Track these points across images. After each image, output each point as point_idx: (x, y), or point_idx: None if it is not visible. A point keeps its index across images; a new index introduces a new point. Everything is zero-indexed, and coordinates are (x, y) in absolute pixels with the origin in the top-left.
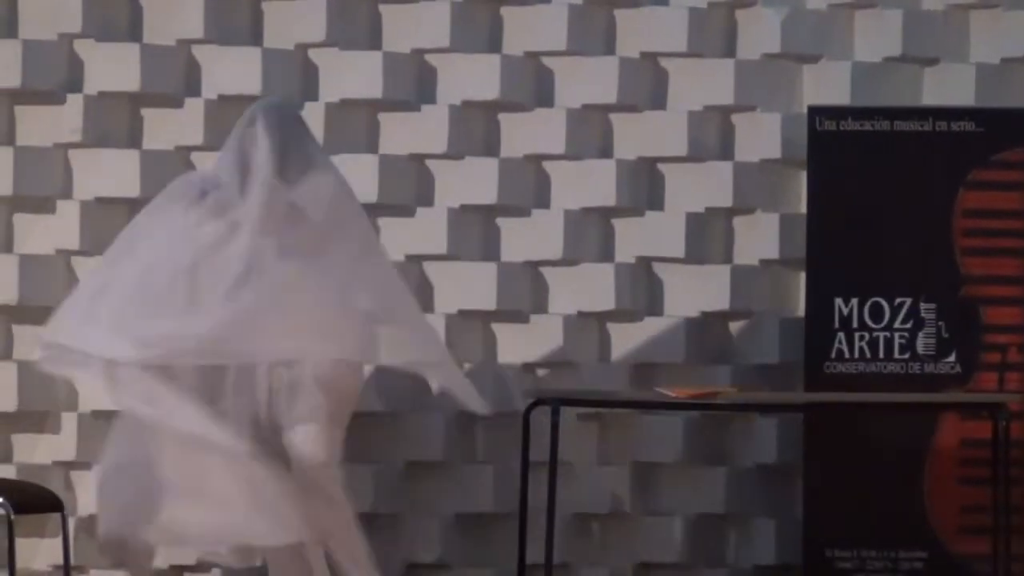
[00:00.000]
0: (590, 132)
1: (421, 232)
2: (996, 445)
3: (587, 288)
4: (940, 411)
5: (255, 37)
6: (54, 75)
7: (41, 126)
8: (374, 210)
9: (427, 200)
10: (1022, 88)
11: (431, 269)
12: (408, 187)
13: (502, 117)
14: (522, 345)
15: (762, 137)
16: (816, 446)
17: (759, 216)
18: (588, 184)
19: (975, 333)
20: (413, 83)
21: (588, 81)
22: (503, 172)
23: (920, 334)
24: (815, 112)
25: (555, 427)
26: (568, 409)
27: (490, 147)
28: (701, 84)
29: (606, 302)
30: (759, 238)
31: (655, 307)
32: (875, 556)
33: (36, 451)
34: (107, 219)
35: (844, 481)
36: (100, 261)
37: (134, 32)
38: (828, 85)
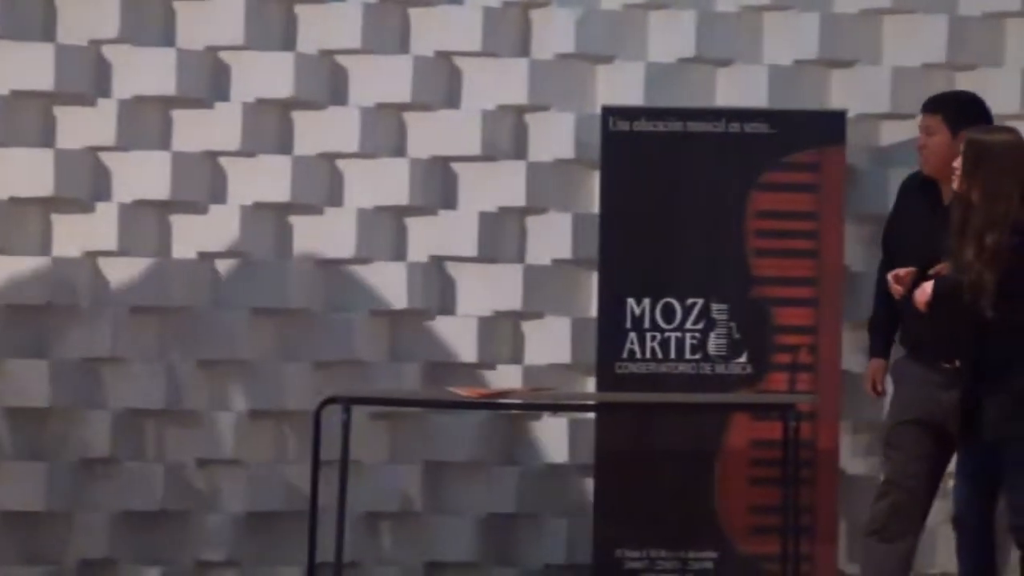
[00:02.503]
0: (384, 130)
1: (213, 230)
2: (786, 446)
3: (379, 287)
4: (731, 412)
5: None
6: None
7: None
8: (167, 207)
9: (220, 198)
10: (814, 90)
11: (224, 267)
12: (201, 185)
13: (296, 115)
14: (314, 344)
15: (556, 137)
16: (607, 446)
17: (552, 216)
18: (381, 183)
19: (766, 334)
20: (207, 80)
21: (382, 79)
22: (296, 170)
23: (711, 335)
24: (608, 112)
25: (346, 426)
26: (359, 408)
27: (284, 145)
28: (495, 83)
29: (398, 301)
30: (552, 238)
31: (447, 306)
32: (665, 556)
33: None
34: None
35: (635, 481)
36: None
37: (47, 32)
38: (622, 85)
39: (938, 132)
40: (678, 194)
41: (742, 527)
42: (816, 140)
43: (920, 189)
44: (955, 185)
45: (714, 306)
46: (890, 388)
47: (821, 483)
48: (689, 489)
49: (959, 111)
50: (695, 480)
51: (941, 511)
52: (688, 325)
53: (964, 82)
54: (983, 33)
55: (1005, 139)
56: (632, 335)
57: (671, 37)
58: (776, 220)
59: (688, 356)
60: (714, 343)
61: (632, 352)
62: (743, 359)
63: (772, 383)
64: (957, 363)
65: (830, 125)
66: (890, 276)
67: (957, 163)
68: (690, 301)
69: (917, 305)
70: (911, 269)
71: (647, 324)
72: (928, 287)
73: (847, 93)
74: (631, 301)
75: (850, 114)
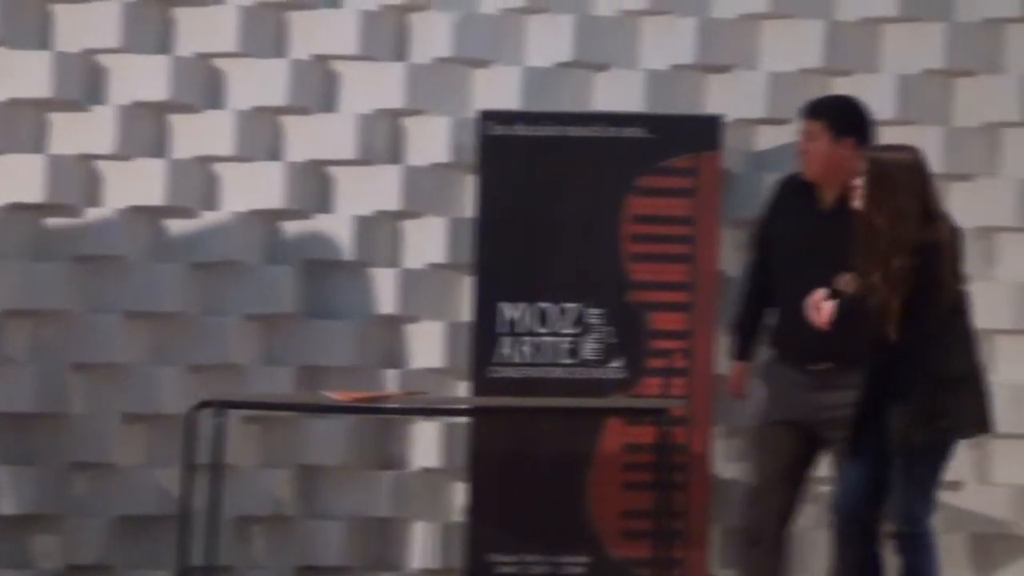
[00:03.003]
0: (260, 134)
1: (88, 234)
2: (659, 450)
3: (254, 290)
4: (605, 416)
5: None
6: None
7: None
8: (40, 211)
9: (96, 201)
10: (691, 94)
11: (97, 270)
12: (77, 188)
13: (172, 119)
14: (188, 347)
15: (432, 140)
16: (481, 450)
17: (427, 220)
18: (257, 186)
19: (641, 338)
20: (83, 83)
21: (259, 83)
22: (172, 173)
23: (587, 339)
24: (486, 116)
25: (219, 430)
26: (233, 411)
27: (159, 149)
28: (372, 87)
29: (273, 304)
30: (427, 241)
31: (323, 310)
32: (537, 560)
33: None
34: None
35: (508, 485)
36: None
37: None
38: (499, 90)
39: (819, 137)
40: (554, 198)
41: (615, 531)
42: (693, 145)
43: (799, 192)
44: (857, 204)
45: (590, 310)
46: (759, 390)
47: (694, 487)
48: (562, 493)
49: (840, 116)
50: (568, 484)
51: (814, 514)
52: (563, 329)
53: (841, 87)
54: (860, 38)
55: (905, 159)
56: (507, 339)
57: (549, 41)
58: (652, 225)
59: (563, 360)
60: (589, 347)
61: (507, 356)
62: (618, 363)
63: (646, 387)
64: (827, 365)
65: (707, 130)
66: (811, 303)
67: (859, 182)
68: (566, 305)
69: (817, 324)
70: (822, 292)
71: (522, 328)
72: (827, 308)
73: (724, 98)
74: (506, 305)
75: (727, 119)
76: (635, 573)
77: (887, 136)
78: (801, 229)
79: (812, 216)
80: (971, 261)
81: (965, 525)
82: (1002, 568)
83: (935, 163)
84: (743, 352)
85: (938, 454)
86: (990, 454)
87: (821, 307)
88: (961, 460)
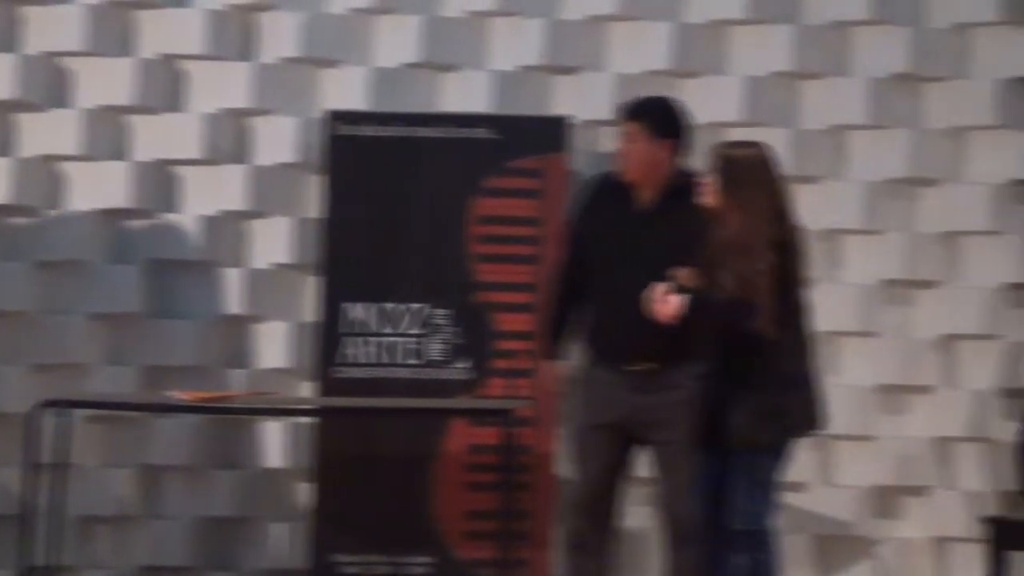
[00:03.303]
0: (106, 133)
1: None
2: (504, 451)
3: (99, 289)
4: (450, 417)
5: None
6: None
7: None
8: None
9: None
10: (538, 96)
11: None
12: None
13: (17, 117)
14: (32, 346)
15: (279, 140)
16: (326, 450)
17: (274, 220)
18: (103, 185)
19: (486, 339)
20: None
21: (105, 81)
22: (17, 171)
23: (432, 340)
24: (333, 116)
25: (62, 429)
26: (76, 411)
27: (4, 147)
28: (219, 86)
29: (118, 303)
30: (273, 241)
31: (169, 310)
32: (381, 561)
33: None
34: None
35: (353, 485)
36: None
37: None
38: (347, 90)
39: (638, 138)
40: (401, 199)
41: (459, 532)
42: (539, 146)
43: (615, 192)
44: (708, 200)
45: (435, 311)
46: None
47: (538, 488)
48: (407, 494)
49: (658, 117)
50: (413, 485)
51: (642, 515)
52: (409, 330)
53: (688, 89)
54: (707, 40)
55: (755, 154)
56: (352, 339)
57: (396, 42)
58: (498, 226)
59: (408, 361)
60: (434, 348)
61: (352, 356)
62: (463, 364)
63: (492, 388)
64: (646, 366)
65: (553, 131)
66: (654, 298)
67: (709, 178)
68: (411, 306)
69: (661, 318)
70: (664, 285)
71: (367, 328)
72: (675, 301)
73: (571, 99)
74: (352, 305)
75: (573, 120)
76: (479, 574)
77: (735, 139)
78: (618, 229)
79: (629, 216)
80: (817, 263)
81: (808, 526)
82: (844, 569)
83: (782, 165)
84: (553, 352)
85: (778, 453)
86: (833, 455)
87: (668, 301)
88: (805, 461)
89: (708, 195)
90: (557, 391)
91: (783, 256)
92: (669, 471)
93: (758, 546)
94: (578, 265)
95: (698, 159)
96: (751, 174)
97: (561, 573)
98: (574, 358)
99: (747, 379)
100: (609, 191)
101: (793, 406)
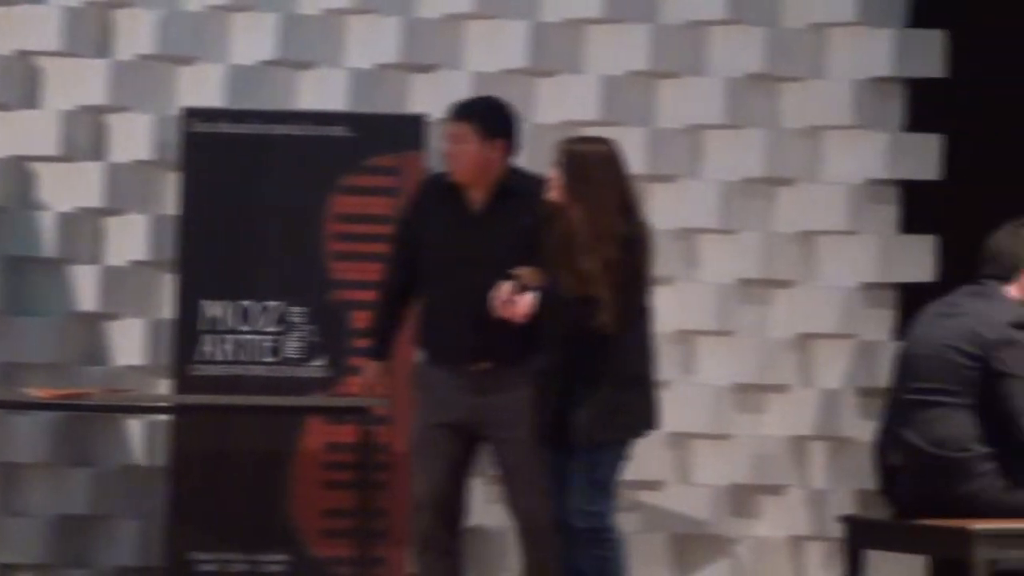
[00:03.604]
0: None
1: None
2: (361, 449)
3: None
4: (306, 414)
5: None
6: None
7: None
8: None
9: None
10: (394, 94)
11: None
12: None
13: None
14: None
15: (135, 137)
16: (183, 448)
17: (130, 217)
18: None
19: (343, 337)
20: None
21: None
22: None
23: (289, 337)
24: (189, 114)
25: None
26: None
27: None
28: (75, 83)
29: None
30: (129, 239)
31: (25, 307)
32: (238, 559)
33: None
34: None
35: (209, 483)
36: None
37: None
38: (203, 87)
39: (468, 139)
40: (258, 196)
41: (315, 530)
42: (396, 144)
43: (445, 193)
44: (553, 196)
45: (292, 309)
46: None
47: (395, 487)
48: (263, 492)
49: (488, 117)
50: (269, 483)
51: (491, 513)
52: (266, 327)
53: (544, 87)
54: (564, 39)
55: (603, 150)
56: (209, 337)
57: (253, 39)
58: (355, 224)
59: (265, 358)
60: (291, 346)
61: (209, 354)
62: (320, 362)
63: (348, 386)
64: (485, 366)
65: (410, 129)
66: (498, 298)
67: (554, 174)
68: (268, 303)
69: (513, 318)
70: (509, 284)
71: (224, 326)
72: (527, 299)
73: (428, 97)
74: (209, 303)
75: (430, 118)
76: (336, 572)
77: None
78: (450, 231)
79: (461, 218)
80: (673, 262)
81: (665, 525)
82: (701, 568)
83: (638, 164)
84: (380, 352)
85: (619, 452)
86: (690, 454)
87: (517, 301)
88: (661, 460)
89: (552, 190)
90: (374, 391)
91: (628, 253)
92: (512, 470)
93: (602, 544)
94: (408, 267)
95: (552, 157)
96: (596, 170)
97: (415, 572)
98: (413, 358)
99: (591, 377)
100: (439, 192)
101: (635, 405)
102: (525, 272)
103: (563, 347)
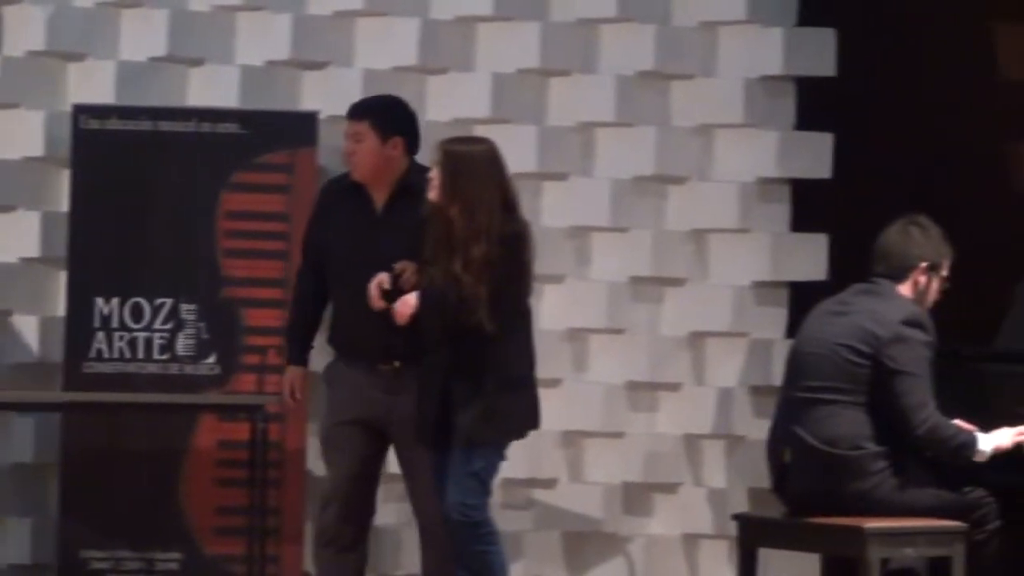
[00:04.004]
0: None
1: None
2: (254, 447)
3: None
4: (199, 412)
5: None
6: None
7: None
8: None
9: None
10: (285, 91)
11: None
12: None
13: None
14: None
15: (26, 134)
16: (74, 446)
17: (21, 214)
18: None
19: (235, 335)
20: None
21: None
22: None
23: (180, 335)
24: (79, 110)
25: None
26: None
27: None
28: None
29: None
30: (20, 235)
31: None
32: (131, 557)
33: None
34: None
35: (101, 481)
36: None
37: None
38: (94, 84)
39: (366, 138)
40: (149, 194)
41: (208, 528)
42: (288, 141)
43: (348, 194)
44: (432, 196)
45: (183, 306)
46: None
47: (288, 484)
48: (156, 490)
49: (387, 116)
50: (162, 481)
51: (396, 512)
52: (157, 325)
53: (435, 85)
54: (454, 37)
55: (482, 150)
56: (100, 334)
57: (143, 35)
58: (247, 221)
59: (157, 356)
60: (183, 343)
61: (100, 352)
62: (212, 359)
63: (241, 384)
64: (394, 364)
65: (302, 126)
66: (373, 286)
67: (434, 174)
68: (160, 301)
69: (399, 319)
70: (386, 275)
71: (115, 323)
72: (412, 300)
73: (319, 94)
74: (100, 300)
75: (322, 115)
76: (229, 570)
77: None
78: (354, 232)
79: (363, 218)
80: (565, 260)
81: (559, 523)
82: (595, 566)
83: (529, 162)
84: (296, 357)
85: (497, 450)
86: (583, 452)
87: (406, 301)
88: (555, 458)
89: (432, 190)
90: (292, 396)
91: (507, 251)
92: (415, 470)
93: (480, 538)
94: (317, 270)
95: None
96: (475, 169)
97: (314, 570)
98: (323, 358)
99: (472, 378)
100: (341, 193)
101: (516, 407)
102: (403, 267)
103: (445, 347)
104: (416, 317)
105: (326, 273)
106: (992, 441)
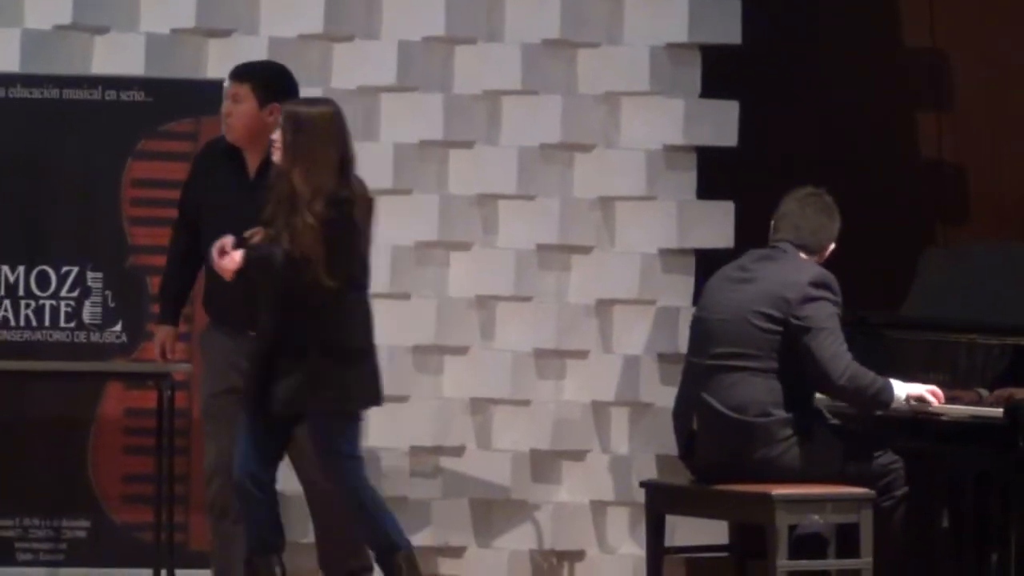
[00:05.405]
0: None
1: None
2: (160, 415)
3: None
4: (105, 380)
5: None
6: None
7: None
8: None
9: None
10: (190, 59)
11: None
12: None
13: None
14: None
15: None
16: None
17: None
18: None
19: (141, 303)
20: None
21: None
22: None
23: (87, 303)
24: None
25: None
26: None
27: None
28: None
29: None
30: None
31: None
32: (38, 524)
33: None
34: None
35: (10, 450)
36: None
37: None
38: None
39: (245, 100)
40: (54, 162)
41: (116, 496)
42: (193, 109)
43: (224, 157)
44: (275, 157)
45: (89, 274)
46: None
47: (195, 452)
48: (63, 458)
49: (268, 81)
50: (69, 449)
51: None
52: (63, 293)
53: (341, 53)
54: (359, 4)
55: (323, 111)
56: (6, 302)
57: (48, 3)
58: (152, 189)
59: (63, 324)
60: (89, 311)
61: (6, 320)
62: (118, 328)
63: (147, 352)
64: None
65: (207, 94)
66: (215, 248)
67: (277, 135)
68: (65, 269)
69: (223, 273)
70: (231, 238)
71: (21, 292)
72: (237, 255)
73: (224, 62)
74: (5, 268)
75: (227, 83)
76: (137, 537)
77: (389, 104)
78: (227, 195)
79: (237, 182)
80: (471, 228)
81: (467, 490)
82: (503, 533)
83: (436, 131)
84: (167, 316)
85: (350, 423)
86: (491, 420)
87: (231, 256)
88: (463, 425)
89: (275, 152)
90: (162, 356)
91: (349, 211)
92: (294, 440)
93: (355, 504)
94: (191, 230)
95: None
96: (316, 129)
97: (216, 543)
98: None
99: (298, 346)
100: (217, 156)
101: (349, 380)
102: (256, 231)
103: (277, 311)
104: (242, 274)
105: (199, 235)
106: (906, 388)
